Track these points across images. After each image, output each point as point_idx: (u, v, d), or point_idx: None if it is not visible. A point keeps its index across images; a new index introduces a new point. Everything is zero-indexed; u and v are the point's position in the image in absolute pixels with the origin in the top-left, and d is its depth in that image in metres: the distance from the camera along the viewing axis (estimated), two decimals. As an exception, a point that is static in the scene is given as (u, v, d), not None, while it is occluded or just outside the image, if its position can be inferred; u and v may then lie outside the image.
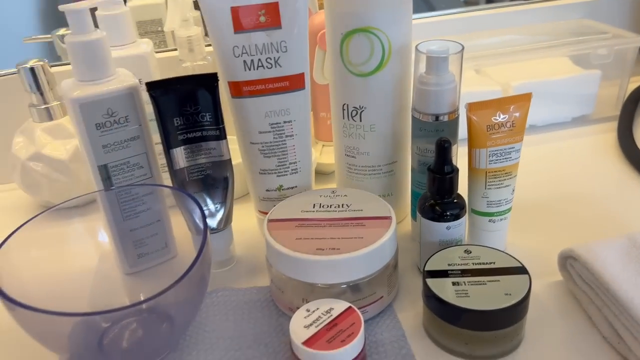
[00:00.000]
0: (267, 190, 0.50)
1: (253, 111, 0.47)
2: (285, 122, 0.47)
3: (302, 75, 0.46)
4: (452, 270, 0.40)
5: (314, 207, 0.45)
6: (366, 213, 0.44)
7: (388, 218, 0.43)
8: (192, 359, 0.40)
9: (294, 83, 0.46)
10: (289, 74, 0.46)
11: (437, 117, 0.45)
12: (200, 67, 0.60)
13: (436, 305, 0.39)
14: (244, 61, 0.45)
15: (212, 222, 0.47)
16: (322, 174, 0.63)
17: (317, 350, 0.36)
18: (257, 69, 0.45)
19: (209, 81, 0.43)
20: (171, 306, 0.38)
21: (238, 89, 0.46)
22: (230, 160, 0.46)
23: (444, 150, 0.42)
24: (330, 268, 0.40)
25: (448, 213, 0.43)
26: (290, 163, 0.49)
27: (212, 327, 0.43)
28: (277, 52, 0.45)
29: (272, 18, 0.44)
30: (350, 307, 0.39)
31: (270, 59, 0.45)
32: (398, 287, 0.45)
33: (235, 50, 0.44)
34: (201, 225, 0.41)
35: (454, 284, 0.39)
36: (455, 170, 0.43)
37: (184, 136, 0.44)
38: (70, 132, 0.59)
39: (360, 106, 0.47)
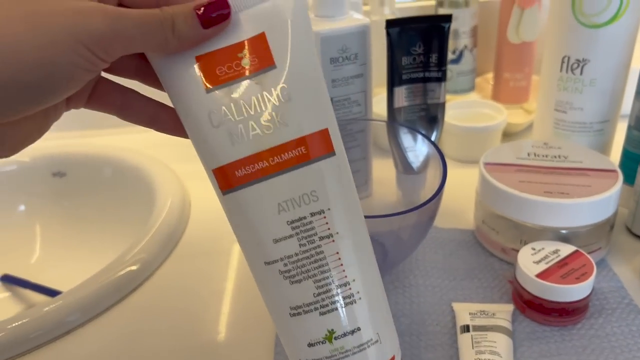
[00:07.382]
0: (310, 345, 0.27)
1: (258, 208, 0.26)
2: (312, 214, 0.26)
3: (324, 133, 0.26)
4: (688, 226, 0.39)
5: (528, 155, 0.45)
6: (587, 165, 0.43)
7: (614, 171, 0.42)
8: (409, 281, 0.42)
9: (315, 147, 0.26)
10: (303, 134, 0.26)
11: (673, 72, 0.43)
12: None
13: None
14: (228, 132, 0.26)
15: (415, 163, 0.49)
16: (504, 134, 0.62)
17: (552, 283, 0.36)
18: (251, 138, 0.26)
19: (442, 21, 0.44)
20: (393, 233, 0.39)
21: (227, 178, 0.26)
22: (444, 103, 0.48)
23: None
24: (561, 211, 0.40)
25: (679, 171, 0.42)
26: (337, 287, 0.26)
27: (423, 257, 0.45)
28: (277, 103, 0.26)
29: (259, 57, 0.26)
30: (577, 250, 0.39)
31: (269, 118, 0.26)
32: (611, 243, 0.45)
33: (212, 117, 0.26)
34: (414, 165, 0.42)
35: (694, 238, 0.38)
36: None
37: (409, 76, 0.46)
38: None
39: (583, 59, 0.46)
